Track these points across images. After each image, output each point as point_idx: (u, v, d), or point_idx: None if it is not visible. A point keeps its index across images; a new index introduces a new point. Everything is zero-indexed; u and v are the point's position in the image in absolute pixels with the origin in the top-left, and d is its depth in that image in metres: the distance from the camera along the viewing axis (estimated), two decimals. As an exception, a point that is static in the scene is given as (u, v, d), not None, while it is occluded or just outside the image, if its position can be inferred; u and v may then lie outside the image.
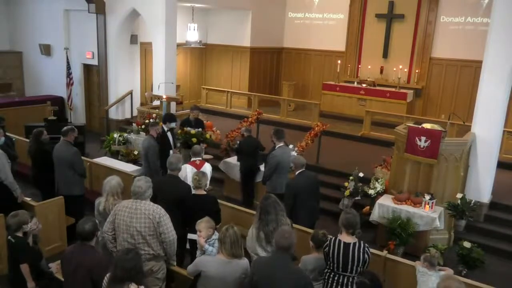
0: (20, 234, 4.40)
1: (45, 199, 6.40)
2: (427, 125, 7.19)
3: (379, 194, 7.37)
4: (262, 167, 7.94)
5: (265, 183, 6.84)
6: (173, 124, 7.86)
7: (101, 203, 4.78)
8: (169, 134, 7.80)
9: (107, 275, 3.36)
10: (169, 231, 4.17)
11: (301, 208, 5.64)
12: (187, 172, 5.96)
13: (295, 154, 8.15)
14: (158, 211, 4.15)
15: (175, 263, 4.52)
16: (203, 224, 4.31)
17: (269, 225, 4.22)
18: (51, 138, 6.98)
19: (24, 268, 4.32)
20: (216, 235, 4.23)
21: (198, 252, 4.39)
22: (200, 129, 8.81)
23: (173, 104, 11.30)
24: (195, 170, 5.92)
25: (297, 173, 5.83)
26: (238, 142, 8.17)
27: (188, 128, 8.61)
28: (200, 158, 6.25)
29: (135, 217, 4.10)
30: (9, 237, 4.40)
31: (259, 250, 4.27)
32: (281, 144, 6.77)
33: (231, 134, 9.27)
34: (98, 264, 3.68)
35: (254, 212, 4.89)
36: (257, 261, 3.68)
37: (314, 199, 5.91)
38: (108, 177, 4.93)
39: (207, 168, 6.13)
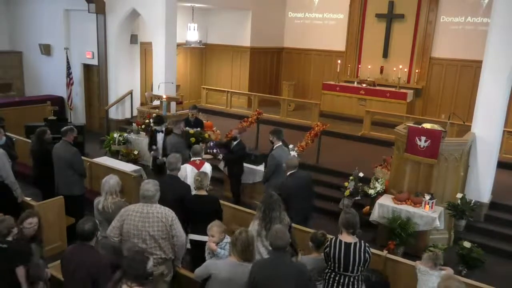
0: (10, 238, 4.23)
1: (45, 198, 6.40)
2: (427, 125, 7.19)
3: (379, 194, 7.36)
4: (262, 167, 7.95)
5: (265, 183, 6.85)
6: (161, 126, 7.93)
7: (100, 202, 4.78)
8: (159, 135, 7.85)
9: (117, 273, 3.38)
10: (181, 234, 4.17)
11: (292, 210, 5.55)
12: (187, 171, 5.95)
13: (295, 154, 8.16)
14: (170, 214, 4.14)
15: (180, 265, 4.52)
16: (216, 229, 4.23)
17: (272, 222, 4.25)
18: (53, 138, 6.98)
19: (20, 271, 4.18)
20: (227, 238, 4.19)
21: (207, 256, 4.34)
22: (198, 129, 8.79)
23: (173, 104, 11.31)
24: (195, 169, 5.92)
25: (288, 174, 5.79)
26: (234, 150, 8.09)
27: (187, 128, 8.59)
28: (200, 158, 6.24)
29: (147, 221, 4.06)
30: None
31: (262, 249, 4.27)
32: (280, 144, 6.76)
33: (230, 134, 9.26)
34: (98, 264, 3.67)
35: (255, 212, 4.87)
36: (256, 263, 3.68)
37: (306, 201, 5.83)
38: (106, 176, 4.94)
39: (207, 168, 6.12)
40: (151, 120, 9.58)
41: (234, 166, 7.96)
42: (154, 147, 7.83)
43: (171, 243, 4.16)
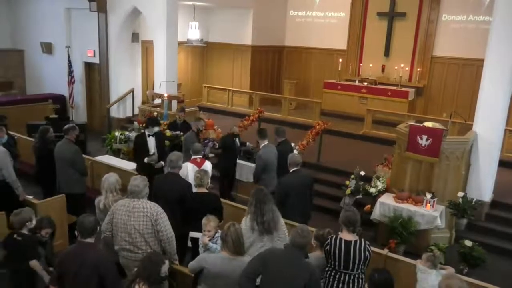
0: (25, 231, 4.44)
1: (47, 197, 6.42)
2: (428, 124, 7.19)
3: (380, 193, 7.36)
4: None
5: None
6: (156, 128, 7.22)
7: (101, 201, 4.82)
8: (151, 139, 7.09)
9: (133, 271, 3.39)
10: (167, 229, 4.19)
11: (291, 207, 5.59)
12: (188, 170, 5.96)
13: (296, 152, 8.15)
14: (155, 208, 4.17)
15: (177, 262, 4.53)
16: (213, 224, 4.30)
17: (265, 215, 4.24)
18: (56, 136, 7.00)
19: (34, 264, 4.35)
20: (219, 233, 4.24)
21: (201, 250, 4.40)
22: (178, 132, 8.63)
23: (174, 103, 11.32)
24: (196, 168, 5.94)
25: (291, 171, 5.80)
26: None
27: (167, 130, 8.43)
28: (201, 156, 6.27)
29: (132, 215, 4.12)
30: (15, 235, 4.43)
31: (260, 244, 4.29)
32: (265, 143, 6.84)
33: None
34: (102, 260, 3.65)
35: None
36: (268, 253, 3.67)
37: (306, 200, 5.83)
38: (105, 174, 4.98)
39: (208, 166, 6.14)
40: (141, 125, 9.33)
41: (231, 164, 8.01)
42: (151, 153, 7.08)
43: (158, 238, 4.19)
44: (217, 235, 4.29)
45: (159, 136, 7.35)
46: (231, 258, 3.70)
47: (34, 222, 4.55)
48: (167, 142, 8.22)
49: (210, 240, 4.28)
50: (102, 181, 4.87)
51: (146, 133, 7.15)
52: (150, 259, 3.40)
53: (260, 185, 6.53)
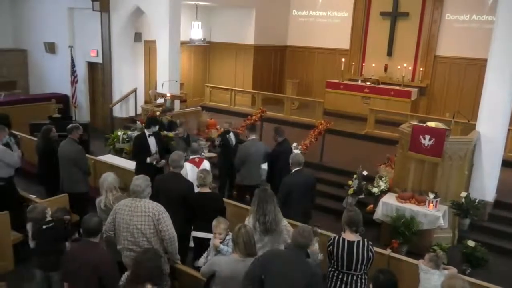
0: (49, 218, 4.57)
1: (50, 196, 6.44)
2: (431, 124, 7.18)
3: (383, 193, 7.35)
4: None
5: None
6: (156, 128, 7.15)
7: (102, 201, 4.85)
8: (152, 138, 6.97)
9: (126, 273, 3.37)
10: (169, 229, 4.20)
11: (292, 207, 5.60)
12: (187, 170, 5.96)
13: (298, 151, 8.15)
14: (157, 208, 4.18)
15: (179, 261, 4.53)
16: (223, 226, 4.28)
17: (267, 215, 4.25)
18: (59, 136, 7.02)
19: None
20: (230, 235, 4.21)
21: (212, 253, 4.37)
22: (177, 131, 8.65)
23: (177, 102, 11.33)
24: (195, 167, 5.95)
25: (293, 170, 5.80)
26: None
27: (165, 132, 8.44)
28: (199, 156, 6.29)
29: (135, 215, 4.13)
30: (43, 226, 4.48)
31: (259, 244, 4.28)
32: (253, 137, 6.93)
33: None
34: (104, 260, 3.67)
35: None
36: (269, 255, 3.67)
37: (307, 200, 5.84)
38: (103, 174, 5.03)
39: (206, 165, 6.16)
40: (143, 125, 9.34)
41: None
42: (153, 153, 6.90)
43: (160, 238, 4.20)
44: (228, 237, 4.25)
45: (158, 135, 7.32)
46: (242, 260, 3.68)
47: (49, 208, 4.72)
48: (174, 143, 8.25)
49: (221, 242, 4.25)
50: (100, 182, 4.92)
51: (147, 133, 7.05)
52: (149, 258, 3.37)
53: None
